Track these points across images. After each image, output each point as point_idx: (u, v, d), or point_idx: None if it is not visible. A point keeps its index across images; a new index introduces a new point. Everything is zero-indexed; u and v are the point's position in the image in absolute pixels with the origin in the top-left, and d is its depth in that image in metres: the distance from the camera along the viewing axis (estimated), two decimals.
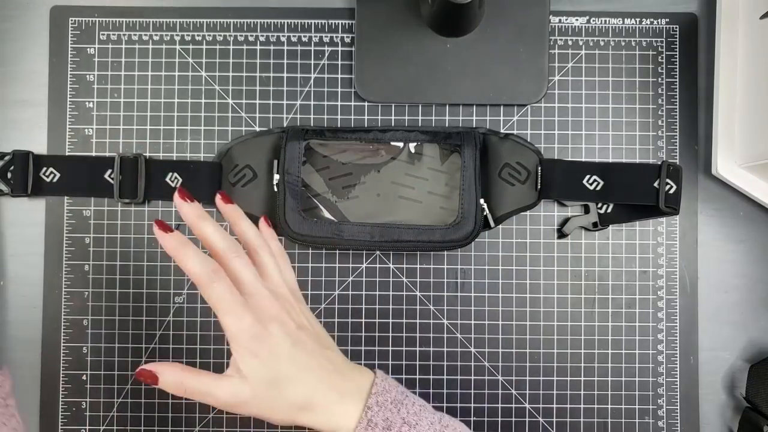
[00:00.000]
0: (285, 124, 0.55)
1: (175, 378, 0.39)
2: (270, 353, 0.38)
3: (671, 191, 0.51)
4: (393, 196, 0.52)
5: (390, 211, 0.52)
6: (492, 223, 0.53)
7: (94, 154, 0.55)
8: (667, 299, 0.55)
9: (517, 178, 0.53)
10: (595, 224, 0.54)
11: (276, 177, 0.52)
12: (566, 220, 0.54)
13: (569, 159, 0.55)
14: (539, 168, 0.53)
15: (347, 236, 0.52)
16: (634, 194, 0.52)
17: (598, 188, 0.53)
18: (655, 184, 0.51)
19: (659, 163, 0.52)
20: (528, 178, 0.53)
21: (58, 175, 0.54)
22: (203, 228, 0.41)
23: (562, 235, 0.55)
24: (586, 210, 0.55)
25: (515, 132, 0.55)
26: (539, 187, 0.53)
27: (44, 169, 0.54)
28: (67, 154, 0.55)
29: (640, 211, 0.53)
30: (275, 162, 0.53)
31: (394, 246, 0.52)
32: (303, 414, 0.39)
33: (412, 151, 0.53)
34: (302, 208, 0.52)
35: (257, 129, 0.55)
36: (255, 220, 0.53)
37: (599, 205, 0.54)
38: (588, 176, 0.53)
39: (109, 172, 0.54)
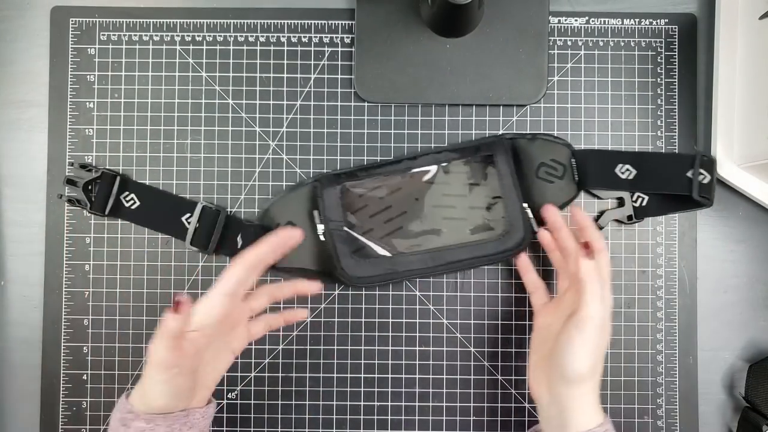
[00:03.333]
0: (285, 125, 0.55)
1: None
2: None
3: (704, 181, 0.51)
4: (437, 220, 0.53)
5: (437, 234, 0.52)
6: (536, 227, 0.53)
7: (176, 193, 0.55)
8: (667, 299, 0.55)
9: (555, 175, 0.53)
10: (629, 217, 0.54)
11: (320, 227, 0.52)
12: (601, 213, 0.54)
13: (601, 148, 0.55)
14: (573, 160, 0.53)
15: (402, 269, 0.52)
16: (667, 184, 0.52)
17: (631, 177, 0.53)
18: (689, 174, 0.51)
19: (693, 153, 0.52)
20: (565, 172, 0.53)
21: (138, 203, 0.54)
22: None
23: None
24: (621, 203, 0.55)
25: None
26: (577, 178, 0.53)
27: (126, 193, 0.54)
28: (149, 183, 0.55)
29: (675, 203, 0.53)
30: (315, 212, 0.53)
31: (450, 267, 0.52)
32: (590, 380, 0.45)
33: (445, 171, 0.53)
34: (353, 250, 0.52)
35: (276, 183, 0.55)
36: (310, 274, 0.53)
37: (634, 197, 0.54)
38: (620, 165, 0.53)
39: (187, 215, 0.54)
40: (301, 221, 0.53)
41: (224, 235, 0.53)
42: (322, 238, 0.52)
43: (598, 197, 0.55)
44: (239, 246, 0.53)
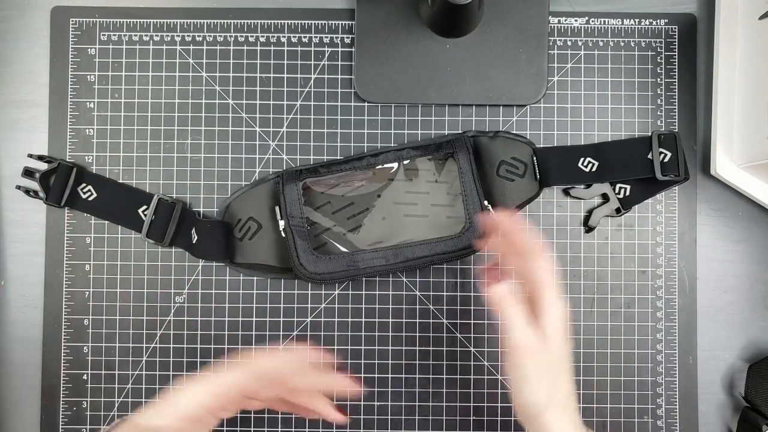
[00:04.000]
0: (285, 125, 0.55)
1: None
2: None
3: (666, 159, 0.51)
4: (398, 216, 0.53)
5: (398, 231, 0.52)
6: None
7: (134, 182, 0.55)
8: (666, 299, 0.55)
9: (516, 173, 0.54)
10: (618, 210, 0.54)
11: (281, 223, 0.52)
12: (590, 213, 0.55)
13: (562, 145, 0.55)
14: (534, 158, 0.54)
15: (363, 265, 0.52)
16: (629, 169, 0.53)
17: (594, 169, 0.53)
18: (649, 156, 0.52)
19: (652, 132, 0.52)
20: (526, 170, 0.54)
21: (95, 195, 0.54)
22: None
23: (589, 229, 0.55)
24: (605, 198, 0.55)
25: (514, 132, 0.55)
26: (539, 176, 0.53)
27: (83, 185, 0.54)
28: (107, 176, 0.55)
29: (655, 185, 0.53)
30: (277, 208, 0.53)
31: (410, 264, 0.52)
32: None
33: (407, 168, 0.53)
34: (313, 246, 0.52)
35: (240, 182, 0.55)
36: (270, 270, 0.53)
37: (616, 189, 0.54)
38: (582, 159, 0.53)
39: (143, 208, 0.54)
40: (262, 217, 0.53)
41: (180, 227, 0.54)
42: (282, 234, 0.52)
43: (580, 198, 0.55)
44: (194, 240, 0.53)
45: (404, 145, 0.54)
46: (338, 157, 0.55)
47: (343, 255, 0.52)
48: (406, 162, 0.53)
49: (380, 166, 0.53)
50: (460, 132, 0.55)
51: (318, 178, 0.53)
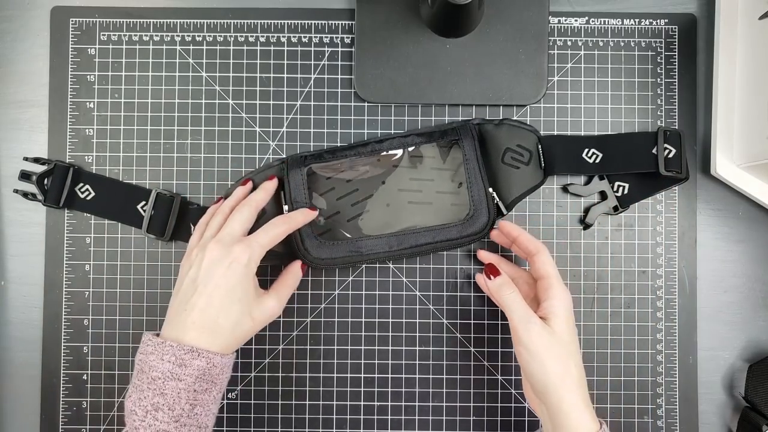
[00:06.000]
0: (285, 125, 0.55)
1: None
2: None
3: (671, 156, 0.52)
4: (402, 203, 0.52)
5: (403, 218, 0.52)
6: (504, 210, 0.53)
7: (134, 182, 0.55)
8: (666, 299, 0.55)
9: (521, 161, 0.54)
10: (615, 208, 0.54)
11: (285, 208, 0.52)
12: (587, 211, 0.55)
13: (567, 133, 0.55)
14: (539, 146, 0.54)
15: (366, 251, 0.51)
16: (633, 163, 0.53)
17: (598, 160, 0.53)
18: (654, 151, 0.52)
19: (656, 129, 0.53)
20: (531, 158, 0.54)
21: (93, 194, 0.54)
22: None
23: (586, 226, 0.55)
24: (604, 196, 0.55)
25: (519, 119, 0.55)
26: (543, 164, 0.53)
27: (81, 185, 0.54)
28: (107, 175, 0.55)
29: (654, 184, 0.53)
30: (281, 194, 0.53)
31: (414, 251, 0.51)
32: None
33: (412, 155, 0.53)
34: (317, 232, 0.52)
35: (244, 170, 0.55)
36: (274, 256, 0.52)
37: (615, 188, 0.54)
38: (587, 149, 0.54)
39: (142, 203, 0.54)
40: (267, 202, 0.53)
41: (180, 221, 0.54)
42: None
43: (579, 194, 0.55)
44: (192, 231, 0.53)
45: (409, 131, 0.54)
46: (343, 144, 0.55)
47: (346, 241, 0.52)
48: (411, 149, 0.53)
49: (385, 153, 0.53)
50: (465, 119, 0.55)
51: (323, 164, 0.53)
